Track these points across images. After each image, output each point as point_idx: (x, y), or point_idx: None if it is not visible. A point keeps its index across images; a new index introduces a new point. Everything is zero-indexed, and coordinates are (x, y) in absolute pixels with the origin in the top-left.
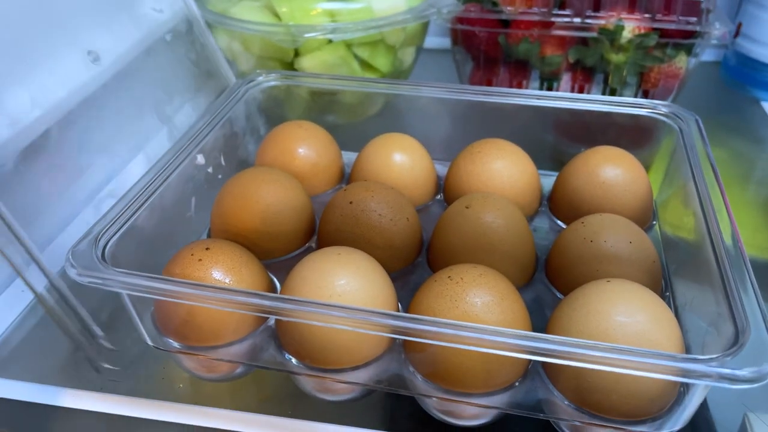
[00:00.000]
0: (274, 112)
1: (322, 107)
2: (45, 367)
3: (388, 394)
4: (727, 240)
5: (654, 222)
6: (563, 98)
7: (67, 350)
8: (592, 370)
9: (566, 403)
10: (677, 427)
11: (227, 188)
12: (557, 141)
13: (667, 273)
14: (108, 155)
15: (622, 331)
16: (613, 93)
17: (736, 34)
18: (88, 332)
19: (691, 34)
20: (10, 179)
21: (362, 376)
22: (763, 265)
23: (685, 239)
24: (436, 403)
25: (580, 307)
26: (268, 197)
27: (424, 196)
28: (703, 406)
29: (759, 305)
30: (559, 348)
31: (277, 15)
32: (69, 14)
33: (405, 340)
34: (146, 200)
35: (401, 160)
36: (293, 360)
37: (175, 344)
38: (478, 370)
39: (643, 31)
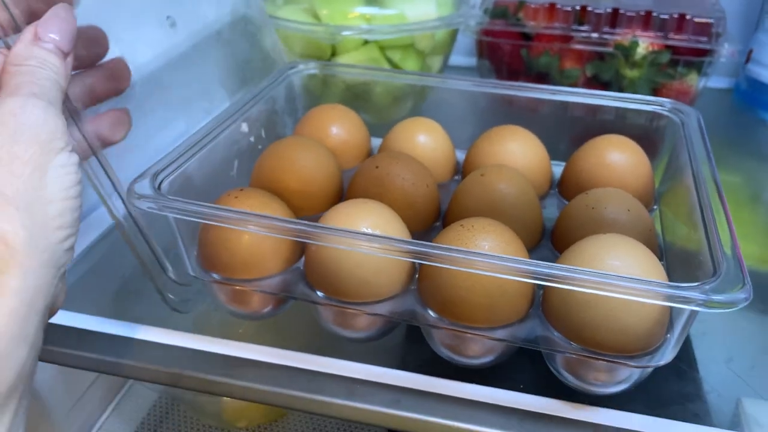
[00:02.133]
0: (312, 98)
1: (355, 103)
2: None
3: (402, 338)
4: (717, 213)
5: (655, 207)
6: (577, 93)
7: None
8: (585, 306)
9: (561, 338)
10: (663, 361)
11: (268, 151)
12: (570, 132)
13: (662, 250)
14: (183, 115)
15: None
16: None
17: (747, 59)
18: (158, 262)
19: (702, 53)
20: None
21: (380, 308)
22: None
23: (679, 219)
24: (444, 339)
25: (578, 254)
26: (304, 161)
27: (443, 174)
28: (699, 392)
29: (735, 250)
30: (553, 272)
31: (318, 17)
32: None
33: (419, 278)
34: (196, 152)
35: (424, 141)
36: (319, 293)
37: (214, 275)
38: (484, 304)
39: (656, 48)
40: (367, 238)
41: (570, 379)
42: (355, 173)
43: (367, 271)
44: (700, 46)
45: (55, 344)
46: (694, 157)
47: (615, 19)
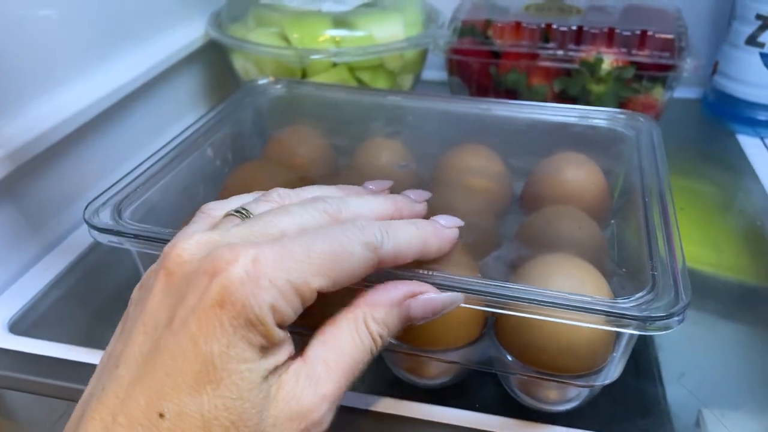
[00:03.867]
0: (280, 119)
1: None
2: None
3: None
4: (658, 231)
5: (612, 221)
6: (542, 107)
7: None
8: (530, 327)
9: (511, 359)
10: (609, 380)
11: (234, 176)
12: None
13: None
14: (152, 142)
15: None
16: None
17: (714, 72)
18: None
19: (666, 68)
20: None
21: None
22: (748, 288)
23: (629, 235)
24: (402, 362)
25: (526, 274)
26: (270, 184)
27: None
28: (662, 404)
29: (674, 273)
30: (493, 298)
31: (288, 40)
32: (105, 32)
33: None
34: (160, 180)
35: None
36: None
37: None
38: (437, 327)
39: (620, 64)
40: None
41: (522, 398)
42: None
43: None
44: (663, 61)
45: (30, 373)
46: (643, 172)
47: (580, 36)
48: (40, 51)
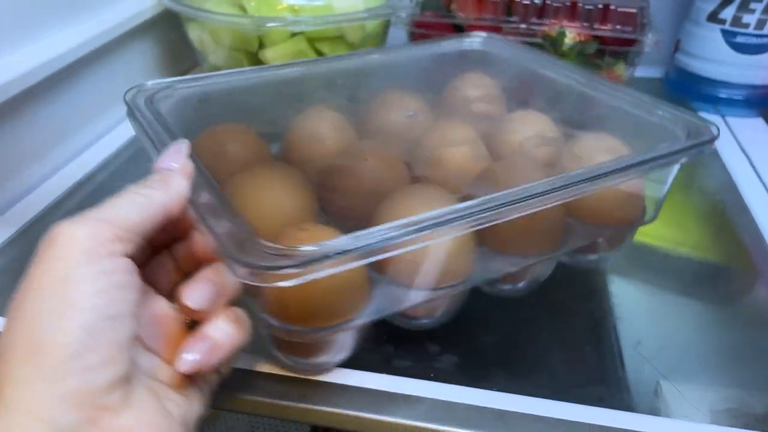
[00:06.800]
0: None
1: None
2: None
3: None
4: None
5: None
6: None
7: None
8: None
9: None
10: None
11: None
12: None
13: None
14: (103, 114)
15: None
16: None
17: (676, 49)
18: None
19: (628, 43)
20: None
21: None
22: (706, 264)
23: None
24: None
25: None
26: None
27: None
28: (620, 375)
29: None
30: None
31: (244, 9)
32: None
33: None
34: None
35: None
36: None
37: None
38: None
39: (583, 39)
40: None
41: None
42: None
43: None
44: (625, 35)
45: None
46: None
47: (543, 10)
48: None
